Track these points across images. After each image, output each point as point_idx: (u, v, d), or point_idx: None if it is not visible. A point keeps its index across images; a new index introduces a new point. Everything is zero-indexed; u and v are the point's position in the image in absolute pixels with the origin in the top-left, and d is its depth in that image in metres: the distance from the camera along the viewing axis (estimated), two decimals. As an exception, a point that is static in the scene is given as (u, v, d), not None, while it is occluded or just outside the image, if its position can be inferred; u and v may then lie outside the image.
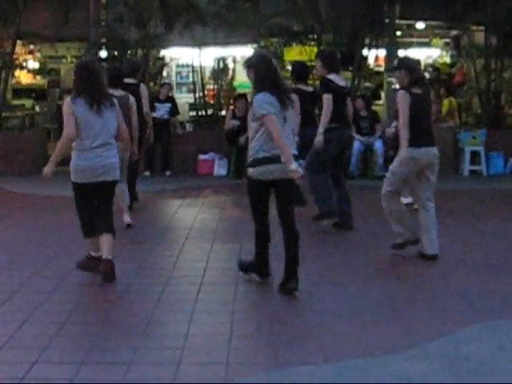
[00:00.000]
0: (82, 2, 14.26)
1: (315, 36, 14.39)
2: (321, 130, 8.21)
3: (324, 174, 8.43)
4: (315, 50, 13.78)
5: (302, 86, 8.90)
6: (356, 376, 4.36)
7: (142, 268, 6.90)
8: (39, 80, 19.43)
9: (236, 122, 12.54)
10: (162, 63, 15.45)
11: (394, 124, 9.20)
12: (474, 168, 13.15)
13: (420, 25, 16.54)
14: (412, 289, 6.21)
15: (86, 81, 6.46)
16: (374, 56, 16.21)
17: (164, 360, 4.60)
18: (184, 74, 17.77)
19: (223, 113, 14.27)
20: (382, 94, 16.51)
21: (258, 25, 13.72)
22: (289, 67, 13.60)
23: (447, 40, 18.48)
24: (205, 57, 14.54)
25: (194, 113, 15.25)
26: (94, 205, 6.63)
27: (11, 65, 14.71)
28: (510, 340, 4.94)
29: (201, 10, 13.24)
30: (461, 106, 15.36)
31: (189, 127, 14.85)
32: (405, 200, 8.83)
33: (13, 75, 16.56)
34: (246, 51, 13.58)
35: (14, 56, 15.08)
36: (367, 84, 16.94)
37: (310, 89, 9.42)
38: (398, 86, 7.36)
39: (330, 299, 5.88)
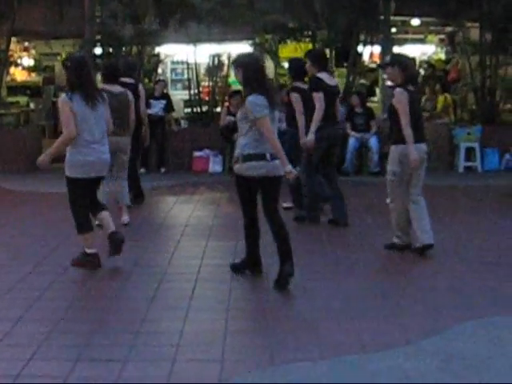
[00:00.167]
0: (76, -2, 14.24)
1: (310, 33, 14.38)
2: (313, 128, 8.25)
3: (317, 176, 8.48)
4: (310, 46, 13.80)
5: (300, 84, 8.87)
6: (351, 372, 4.36)
7: (137, 265, 6.90)
8: (34, 77, 19.43)
9: (231, 119, 12.50)
10: (156, 60, 15.43)
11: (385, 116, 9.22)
12: (469, 164, 13.17)
13: (415, 21, 16.56)
14: (407, 285, 6.22)
15: (80, 76, 6.47)
16: (369, 52, 16.23)
17: (159, 357, 4.60)
18: (179, 70, 17.79)
19: (218, 109, 14.26)
20: (377, 91, 16.53)
21: (253, 21, 13.70)
22: (284, 64, 13.62)
23: (442, 36, 18.51)
24: (200, 53, 14.52)
25: (188, 109, 15.24)
26: (87, 200, 6.67)
27: (6, 62, 14.68)
28: (505, 336, 4.95)
29: (195, 6, 13.20)
30: (456, 102, 15.38)
31: (184, 124, 14.83)
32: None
33: (7, 72, 16.53)
34: (241, 48, 13.58)
35: (9, 53, 15.06)
36: (362, 81, 16.95)
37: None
38: (389, 83, 7.33)
39: (325, 296, 5.89)
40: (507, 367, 4.44)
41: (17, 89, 18.50)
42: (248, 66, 6.08)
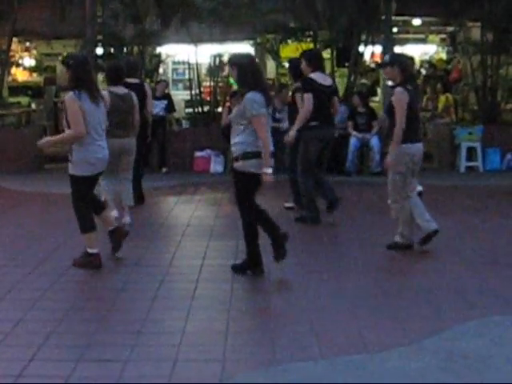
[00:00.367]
0: (78, -2, 14.25)
1: (311, 33, 14.38)
2: (295, 127, 8.36)
3: (312, 178, 8.52)
4: (311, 46, 13.78)
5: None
6: (353, 372, 4.36)
7: (139, 265, 6.90)
8: (35, 77, 19.43)
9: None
10: (158, 60, 15.41)
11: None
12: (471, 164, 13.16)
13: (416, 21, 16.56)
14: (408, 284, 6.22)
15: (84, 75, 6.49)
16: (370, 52, 16.22)
17: (160, 357, 4.60)
18: (180, 70, 17.79)
19: (219, 109, 14.25)
20: (379, 91, 16.53)
21: (254, 21, 13.70)
22: (286, 64, 13.60)
23: (443, 36, 18.51)
24: (201, 53, 14.52)
25: (190, 110, 15.25)
26: (90, 198, 6.71)
27: (7, 62, 14.69)
28: (506, 335, 4.95)
29: (197, 6, 13.22)
30: (457, 102, 15.38)
31: (185, 124, 14.83)
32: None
33: (9, 73, 16.55)
34: (243, 48, 13.58)
35: (10, 53, 15.07)
36: (363, 80, 16.94)
37: None
38: (390, 83, 7.36)
39: (325, 295, 5.89)
40: (508, 366, 4.43)
41: (18, 89, 18.50)
42: (242, 65, 6.20)
